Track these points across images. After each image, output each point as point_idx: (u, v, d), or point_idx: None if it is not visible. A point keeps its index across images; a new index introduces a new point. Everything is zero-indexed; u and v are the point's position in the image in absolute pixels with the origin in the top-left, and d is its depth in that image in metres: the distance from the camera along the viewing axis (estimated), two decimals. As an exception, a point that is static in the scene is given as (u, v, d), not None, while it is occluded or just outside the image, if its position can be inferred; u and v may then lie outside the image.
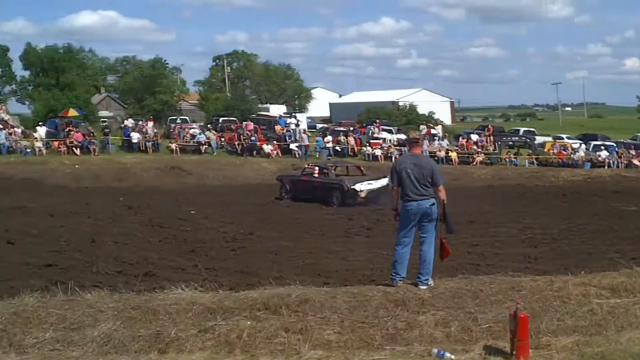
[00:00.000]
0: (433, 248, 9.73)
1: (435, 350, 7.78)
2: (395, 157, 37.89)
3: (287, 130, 46.70)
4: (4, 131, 40.08)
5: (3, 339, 7.96)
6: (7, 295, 10.11)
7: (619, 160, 45.11)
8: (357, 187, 26.62)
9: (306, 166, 31.14)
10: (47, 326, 8.23)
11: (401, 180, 9.55)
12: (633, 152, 46.98)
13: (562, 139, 55.88)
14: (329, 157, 42.20)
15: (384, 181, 26.59)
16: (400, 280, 9.69)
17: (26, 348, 7.83)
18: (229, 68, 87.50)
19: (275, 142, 44.21)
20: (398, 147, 43.77)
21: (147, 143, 42.58)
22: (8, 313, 8.45)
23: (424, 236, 9.68)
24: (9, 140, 39.76)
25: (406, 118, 69.11)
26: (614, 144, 49.44)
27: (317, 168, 29.44)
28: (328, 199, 26.93)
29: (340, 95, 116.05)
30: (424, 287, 9.45)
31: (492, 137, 49.65)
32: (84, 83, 70.22)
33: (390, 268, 9.91)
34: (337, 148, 44.75)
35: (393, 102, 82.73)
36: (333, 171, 28.92)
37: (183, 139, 44.48)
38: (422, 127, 54.47)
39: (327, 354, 7.86)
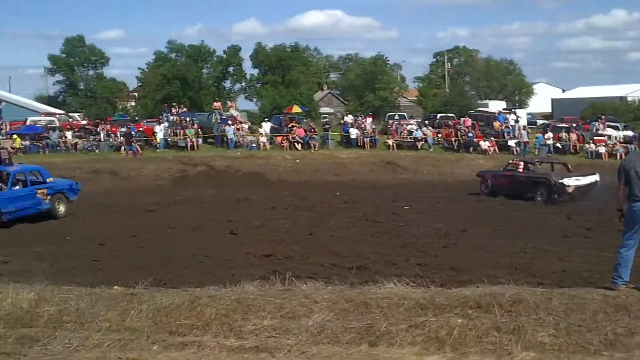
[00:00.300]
0: None
1: (659, 360, 7.37)
2: (621, 155, 36.03)
3: (506, 127, 45.59)
4: (232, 126, 42.24)
5: (225, 324, 8.41)
6: (230, 282, 10.71)
7: None
8: (565, 181, 25.86)
9: (510, 162, 30.33)
10: (265, 314, 8.57)
11: (629, 180, 9.09)
12: None
13: None
14: (549, 154, 40.71)
15: (592, 178, 26.33)
16: (622, 284, 9.21)
17: (245, 334, 8.21)
18: (449, 64, 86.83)
19: (492, 138, 43.35)
20: (624, 145, 41.41)
21: (365, 139, 43.20)
22: (230, 300, 8.88)
23: (652, 239, 9.19)
24: (237, 135, 41.78)
25: (634, 114, 65.28)
26: None
27: (521, 163, 28.85)
28: (532, 194, 26.39)
29: (563, 91, 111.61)
30: (649, 292, 8.94)
31: None
32: (308, 80, 72.32)
33: (612, 271, 9.45)
34: (558, 145, 43.12)
35: (621, 98, 78.36)
36: (539, 166, 28.18)
37: (400, 135, 44.62)
38: (654, 123, 51.29)
39: (540, 356, 7.64)
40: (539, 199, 25.96)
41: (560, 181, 25.83)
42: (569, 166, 28.57)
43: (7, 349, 7.81)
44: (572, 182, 25.97)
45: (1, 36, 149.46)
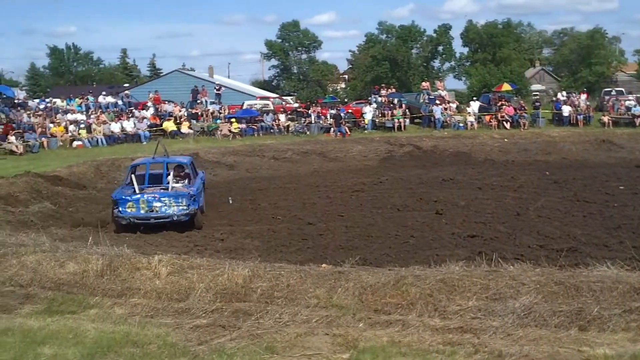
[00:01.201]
0: None
1: None
2: None
3: None
4: (440, 106, 42.05)
5: (429, 304, 8.50)
6: (434, 262, 10.77)
7: None
8: None
9: None
10: (470, 295, 8.58)
11: None
12: None
13: None
14: None
15: None
16: None
17: (449, 314, 8.26)
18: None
19: None
20: None
21: (578, 116, 41.54)
22: (435, 280, 8.96)
23: None
24: (444, 115, 41.58)
25: None
26: None
27: None
28: None
29: None
30: None
31: None
32: (519, 57, 70.47)
33: None
34: None
35: None
36: None
37: (617, 111, 42.50)
38: None
39: None
40: None
41: None
42: None
43: (223, 321, 8.33)
44: None
45: (221, 23, 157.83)
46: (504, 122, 40.41)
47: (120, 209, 16.87)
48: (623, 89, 56.42)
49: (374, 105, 44.23)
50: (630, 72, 77.99)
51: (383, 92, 46.99)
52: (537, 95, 57.51)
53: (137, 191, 17.13)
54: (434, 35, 71.22)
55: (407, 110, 42.55)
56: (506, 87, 48.28)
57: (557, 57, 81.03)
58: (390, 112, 41.65)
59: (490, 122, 40.79)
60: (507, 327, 7.77)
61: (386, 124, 41.04)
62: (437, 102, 42.83)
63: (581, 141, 36.02)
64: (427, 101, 43.85)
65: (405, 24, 71.68)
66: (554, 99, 48.24)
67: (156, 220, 17.02)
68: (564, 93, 48.68)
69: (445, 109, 42.53)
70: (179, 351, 7.39)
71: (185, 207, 17.00)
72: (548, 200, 20.07)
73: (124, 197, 16.99)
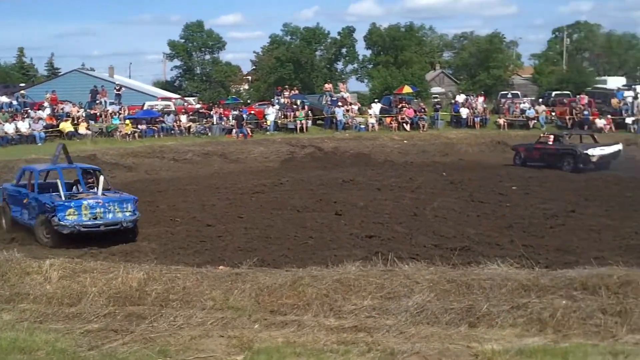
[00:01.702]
0: None
1: None
2: None
3: (624, 104, 43.93)
4: (342, 108, 42.34)
5: (325, 304, 8.57)
6: (332, 263, 10.85)
7: None
8: (590, 151, 28.57)
9: (541, 135, 33.10)
10: (365, 294, 8.70)
11: None
12: None
13: None
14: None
15: (616, 147, 29.35)
16: None
17: (345, 314, 8.35)
18: (567, 40, 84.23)
19: (609, 116, 41.89)
20: None
21: (475, 118, 42.60)
22: (332, 280, 9.05)
23: None
24: (346, 116, 41.91)
25: None
26: None
27: (551, 136, 31.59)
28: (560, 164, 29.17)
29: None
30: None
31: None
32: (420, 60, 71.63)
33: None
34: (679, 122, 41.24)
35: None
36: (567, 139, 30.72)
37: (512, 114, 43.84)
38: None
39: (646, 338, 7.48)
40: (566, 167, 28.87)
41: (584, 152, 28.61)
42: (596, 137, 31.14)
43: (116, 325, 8.19)
44: (596, 152, 28.63)
45: (125, 23, 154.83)
46: (404, 124, 41.06)
47: (59, 216, 15.09)
48: (519, 92, 58.22)
49: (277, 106, 44.22)
50: (526, 75, 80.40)
51: (286, 93, 47.03)
52: (437, 97, 58.52)
53: (63, 197, 15.67)
54: (338, 37, 71.73)
55: (309, 111, 42.74)
56: (407, 89, 49.00)
57: (457, 61, 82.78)
58: (292, 113, 41.73)
59: (391, 124, 41.38)
60: (400, 325, 7.90)
61: (288, 126, 41.13)
62: (340, 103, 43.15)
63: (477, 143, 37.09)
64: (329, 103, 44.11)
65: (310, 26, 72.01)
66: (453, 101, 49.25)
67: (106, 228, 15.63)
68: (463, 96, 49.80)
69: (347, 110, 42.86)
70: (68, 357, 7.22)
71: (131, 213, 15.96)
72: (444, 200, 20.53)
73: (63, 203, 15.34)
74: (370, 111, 44.09)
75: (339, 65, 74.40)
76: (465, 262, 11.47)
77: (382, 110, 44.25)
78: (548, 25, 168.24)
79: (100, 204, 15.61)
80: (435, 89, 71.66)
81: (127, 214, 15.84)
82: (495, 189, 22.89)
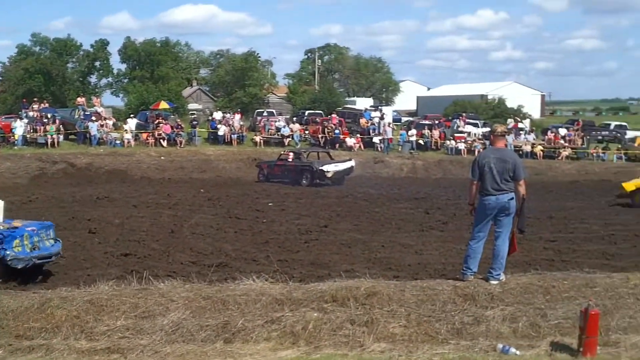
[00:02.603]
0: (507, 243, 9.57)
1: (500, 346, 7.75)
2: (478, 151, 37.55)
3: (372, 124, 46.48)
4: (96, 123, 41.06)
5: (76, 326, 8.23)
6: (84, 283, 10.44)
7: None
8: (325, 168, 30.98)
9: (282, 153, 34.79)
10: (119, 314, 8.46)
11: (482, 175, 9.39)
12: None
13: (655, 133, 53.62)
14: (412, 151, 42.05)
15: (348, 164, 32.23)
16: (471, 274, 9.58)
17: (97, 335, 8.08)
18: (319, 61, 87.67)
19: (358, 135, 44.11)
20: (482, 141, 43.10)
21: (232, 136, 43.07)
22: (83, 301, 8.71)
23: (499, 231, 9.55)
24: (100, 132, 40.69)
25: (494, 111, 67.87)
26: None
27: (291, 154, 33.39)
28: (299, 180, 31.01)
29: (428, 89, 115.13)
30: (495, 282, 9.34)
31: (580, 132, 48.17)
32: (177, 76, 71.30)
33: (462, 262, 9.79)
34: (421, 142, 44.32)
35: (482, 96, 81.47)
36: (305, 156, 33.12)
37: (268, 131, 44.81)
38: (509, 120, 53.30)
39: (390, 346, 7.88)
40: (304, 182, 30.82)
41: (320, 168, 30.94)
42: (331, 155, 34.05)
43: None
44: (331, 168, 31.16)
45: None
46: (161, 140, 40.58)
47: (7, 247, 12.06)
48: (274, 110, 59.73)
49: (25, 120, 41.93)
50: (281, 94, 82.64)
51: (35, 106, 44.77)
52: (194, 114, 58.51)
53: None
54: (91, 50, 69.68)
55: (61, 126, 40.95)
56: (164, 105, 48.62)
57: (214, 78, 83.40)
58: (43, 127, 39.80)
59: (148, 139, 40.73)
60: (155, 344, 7.78)
61: (38, 140, 39.12)
62: (94, 118, 41.75)
63: (235, 159, 37.54)
64: (82, 117, 42.58)
65: (61, 37, 69.33)
66: (210, 118, 49.48)
67: (48, 260, 13.05)
68: (220, 113, 50.20)
69: (102, 125, 41.65)
70: None
71: (54, 241, 13.46)
72: (202, 217, 20.55)
73: (6, 232, 12.32)
74: (126, 126, 43.07)
75: (93, 79, 72.44)
76: (222, 278, 11.50)
77: (138, 126, 43.50)
78: (301, 47, 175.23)
79: (35, 232, 12.86)
80: (192, 105, 71.60)
81: (54, 242, 13.51)
82: (252, 205, 23.31)
